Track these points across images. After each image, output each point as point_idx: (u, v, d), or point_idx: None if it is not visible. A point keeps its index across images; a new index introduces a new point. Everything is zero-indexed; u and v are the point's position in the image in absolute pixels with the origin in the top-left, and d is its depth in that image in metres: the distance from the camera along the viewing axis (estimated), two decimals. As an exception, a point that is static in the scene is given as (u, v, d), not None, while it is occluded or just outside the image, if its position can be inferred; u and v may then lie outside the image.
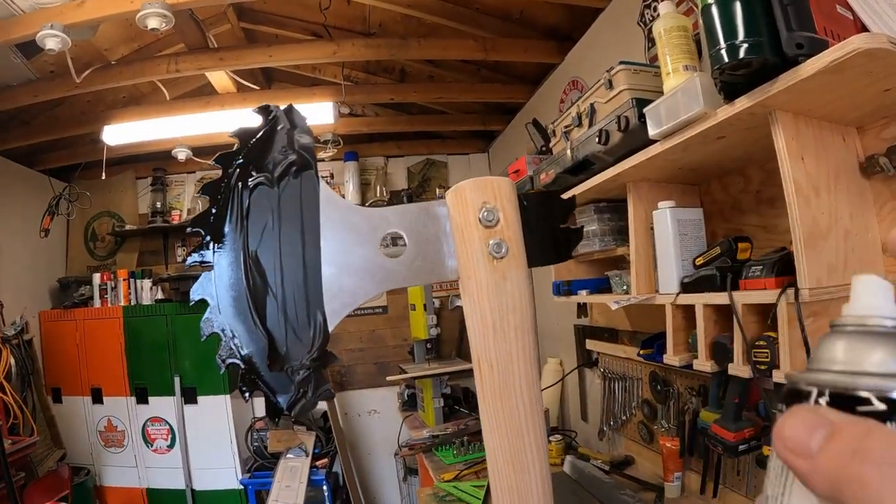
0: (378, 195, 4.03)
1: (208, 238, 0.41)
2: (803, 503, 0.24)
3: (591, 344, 2.52)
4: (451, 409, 3.28)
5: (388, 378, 3.17)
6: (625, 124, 1.38)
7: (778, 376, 1.04)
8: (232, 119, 2.90)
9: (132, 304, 3.53)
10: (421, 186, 4.20)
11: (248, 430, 3.62)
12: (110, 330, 3.44)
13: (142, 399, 3.44)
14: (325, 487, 3.34)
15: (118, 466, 3.44)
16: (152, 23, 1.92)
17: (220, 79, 2.75)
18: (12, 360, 3.01)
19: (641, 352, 1.78)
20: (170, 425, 3.45)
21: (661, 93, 1.31)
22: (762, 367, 1.07)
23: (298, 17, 2.81)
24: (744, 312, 1.14)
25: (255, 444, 3.59)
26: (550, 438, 2.45)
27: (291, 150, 0.42)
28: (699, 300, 1.27)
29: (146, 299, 3.55)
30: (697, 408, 1.67)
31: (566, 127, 1.73)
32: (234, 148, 0.43)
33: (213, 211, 0.42)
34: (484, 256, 0.42)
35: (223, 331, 0.40)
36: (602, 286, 1.91)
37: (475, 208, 0.42)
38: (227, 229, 0.41)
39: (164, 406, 3.44)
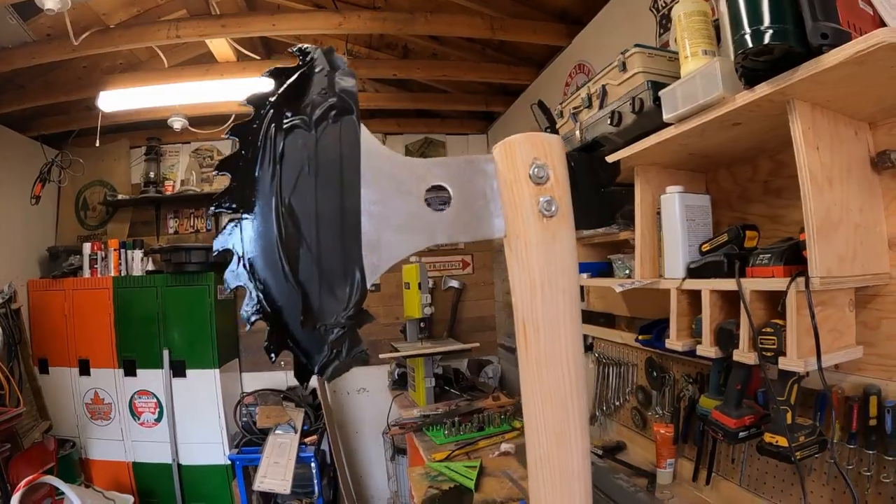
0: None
1: (236, 183, 0.38)
2: None
3: (586, 329, 2.52)
4: (441, 389, 3.28)
5: (381, 356, 3.15)
6: (639, 106, 1.35)
7: (784, 363, 1.03)
8: (231, 88, 2.84)
9: (122, 275, 3.48)
10: (418, 165, 4.16)
11: (237, 404, 3.61)
12: (99, 301, 3.39)
13: (130, 371, 3.40)
14: (313, 465, 3.34)
15: (104, 439, 3.41)
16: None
17: (220, 46, 2.68)
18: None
19: (640, 337, 1.78)
20: (157, 399, 3.42)
21: (675, 78, 1.29)
22: (768, 354, 1.07)
23: (302, -14, 2.74)
24: (751, 299, 1.14)
25: (244, 419, 3.57)
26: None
27: (332, 92, 0.40)
28: (706, 286, 1.27)
29: (137, 270, 3.50)
30: (694, 395, 1.68)
31: (575, 108, 1.70)
32: (268, 90, 0.40)
33: (243, 153, 0.39)
34: (534, 214, 0.40)
35: (250, 284, 0.37)
36: (602, 270, 1.90)
37: (525, 164, 0.40)
38: (257, 174, 0.38)
39: (152, 379, 3.41)
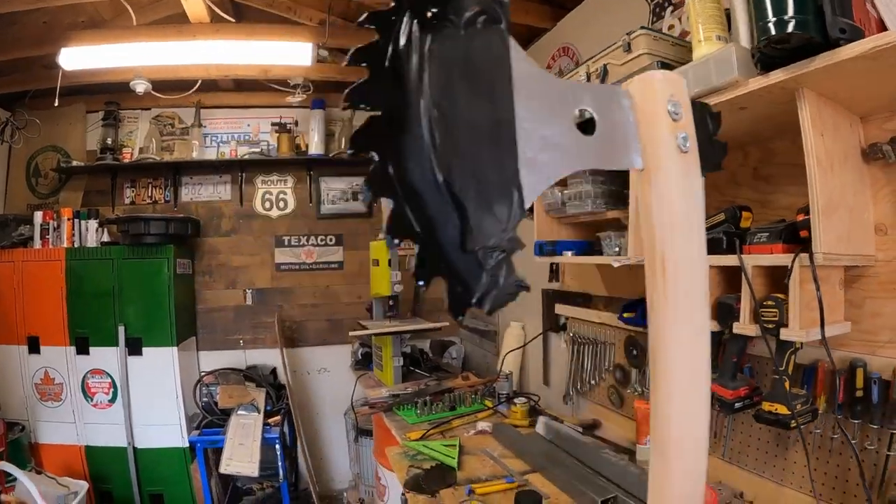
0: (341, 147, 3.90)
1: (375, 77, 0.33)
2: None
3: (560, 308, 2.57)
4: (408, 369, 3.26)
5: (351, 333, 3.09)
6: (646, 86, 1.37)
7: (786, 333, 1.09)
8: (202, 51, 2.70)
9: (76, 246, 3.26)
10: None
11: (197, 384, 3.47)
12: (51, 273, 3.17)
13: (82, 349, 3.21)
14: (277, 446, 3.27)
15: (55, 422, 3.21)
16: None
17: (194, 5, 2.54)
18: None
19: (625, 315, 1.83)
20: (112, 378, 3.25)
21: (679, 63, 1.33)
22: (770, 326, 1.12)
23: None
24: (753, 275, 1.19)
25: (205, 399, 3.45)
26: (515, 401, 2.49)
27: None
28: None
29: (91, 242, 3.29)
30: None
31: (573, 88, 1.71)
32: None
33: (383, 45, 0.33)
34: (674, 148, 0.39)
35: (399, 194, 0.32)
36: (586, 249, 1.93)
37: (664, 99, 0.40)
38: (402, 69, 0.33)
39: (106, 357, 3.23)
